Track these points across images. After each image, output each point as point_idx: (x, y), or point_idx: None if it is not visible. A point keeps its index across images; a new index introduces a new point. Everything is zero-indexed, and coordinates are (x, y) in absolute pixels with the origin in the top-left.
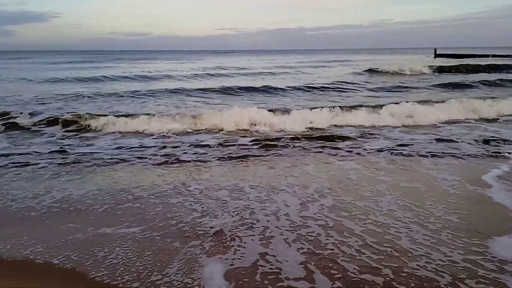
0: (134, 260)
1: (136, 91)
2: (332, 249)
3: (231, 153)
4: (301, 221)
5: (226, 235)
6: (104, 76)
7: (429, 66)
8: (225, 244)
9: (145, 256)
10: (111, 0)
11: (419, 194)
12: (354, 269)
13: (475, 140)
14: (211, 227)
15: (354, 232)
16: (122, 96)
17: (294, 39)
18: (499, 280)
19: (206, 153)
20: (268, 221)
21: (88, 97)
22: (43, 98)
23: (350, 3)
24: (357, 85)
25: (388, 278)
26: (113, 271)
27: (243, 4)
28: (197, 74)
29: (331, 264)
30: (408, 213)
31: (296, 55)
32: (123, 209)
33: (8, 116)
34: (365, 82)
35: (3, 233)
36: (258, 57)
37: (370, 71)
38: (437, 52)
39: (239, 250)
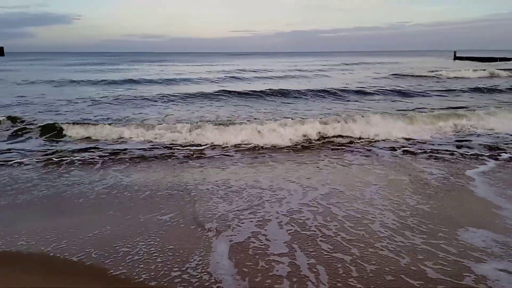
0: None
1: (188, 94)
2: (314, 231)
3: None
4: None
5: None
6: (143, 79)
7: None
8: (229, 224)
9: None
10: (129, 3)
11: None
12: (328, 248)
13: None
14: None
15: (336, 217)
16: (171, 100)
17: (310, 41)
18: (461, 263)
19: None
20: (271, 206)
21: (155, 100)
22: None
23: (367, 5)
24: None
25: (354, 256)
26: None
27: (258, 6)
28: (232, 76)
29: (310, 243)
30: (386, 201)
31: (314, 57)
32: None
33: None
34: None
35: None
36: (279, 59)
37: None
38: (457, 55)
39: (237, 228)
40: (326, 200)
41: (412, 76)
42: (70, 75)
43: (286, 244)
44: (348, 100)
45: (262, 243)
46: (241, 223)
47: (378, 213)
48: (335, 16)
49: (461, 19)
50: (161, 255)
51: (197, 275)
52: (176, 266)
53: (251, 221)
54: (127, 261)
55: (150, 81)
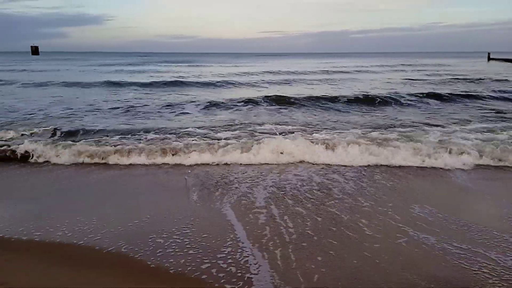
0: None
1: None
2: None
3: None
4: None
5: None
6: (200, 81)
7: None
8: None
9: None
10: (160, 4)
11: None
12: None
13: None
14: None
15: None
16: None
17: (338, 42)
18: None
19: None
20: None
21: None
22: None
23: (398, 5)
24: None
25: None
26: None
27: (287, 7)
28: (284, 80)
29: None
30: None
31: (347, 58)
32: None
33: None
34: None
35: None
36: (316, 60)
37: None
38: (491, 57)
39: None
40: None
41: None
42: (119, 76)
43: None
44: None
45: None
46: None
47: None
48: (364, 17)
49: (494, 20)
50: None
51: None
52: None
53: None
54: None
55: (210, 84)
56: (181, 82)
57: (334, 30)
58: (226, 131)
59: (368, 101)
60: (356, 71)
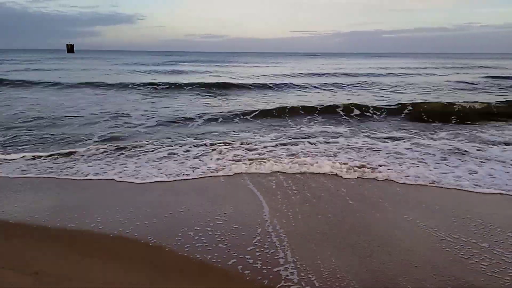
0: None
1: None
2: None
3: None
4: None
5: None
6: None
7: None
8: None
9: None
10: (191, 4)
11: None
12: None
13: None
14: None
15: None
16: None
17: (370, 42)
18: None
19: None
20: None
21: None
22: None
23: (432, 5)
24: None
25: None
26: None
27: (317, 6)
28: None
29: None
30: None
31: (385, 58)
32: None
33: None
34: None
35: None
36: (352, 60)
37: None
38: None
39: None
40: None
41: None
42: (187, 77)
43: None
44: None
45: None
46: None
47: None
48: (396, 17)
49: None
50: None
51: None
52: None
53: None
54: None
55: (274, 87)
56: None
57: (366, 30)
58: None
59: None
60: (426, 73)
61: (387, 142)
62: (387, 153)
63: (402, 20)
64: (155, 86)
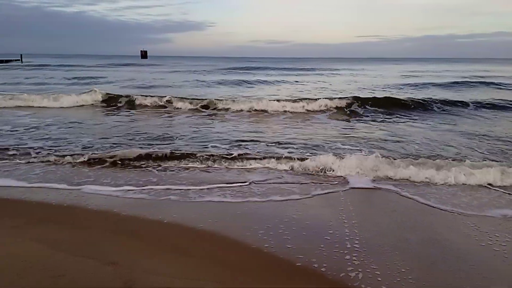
0: None
1: None
2: None
3: None
4: None
5: None
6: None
7: None
8: None
9: None
10: (257, 10)
11: None
12: None
13: None
14: None
15: None
16: None
17: (443, 47)
18: None
19: None
20: None
21: None
22: None
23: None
24: None
25: None
26: None
27: (386, 11)
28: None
29: None
30: None
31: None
32: None
33: None
34: None
35: None
36: (432, 65)
37: None
38: None
39: None
40: None
41: None
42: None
43: None
44: None
45: None
46: None
47: None
48: (471, 20)
49: None
50: None
51: None
52: None
53: None
54: None
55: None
56: None
57: (438, 34)
58: None
59: None
60: None
61: None
62: None
63: (479, 24)
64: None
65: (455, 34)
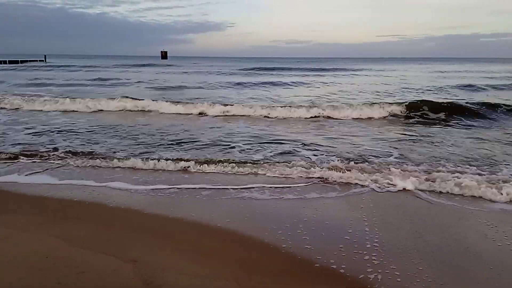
0: None
1: None
2: None
3: None
4: None
5: None
6: None
7: None
8: None
9: None
10: (277, 11)
11: None
12: None
13: None
14: None
15: None
16: None
17: (466, 46)
18: None
19: None
20: None
21: None
22: None
23: None
24: None
25: None
26: None
27: (406, 10)
28: None
29: None
30: None
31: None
32: None
33: None
34: None
35: None
36: (462, 65)
37: None
38: None
39: None
40: None
41: None
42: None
43: None
44: None
45: None
46: None
47: None
48: (496, 19)
49: None
50: None
51: None
52: None
53: None
54: None
55: None
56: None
57: (461, 33)
58: None
59: None
60: None
61: None
62: None
63: (505, 23)
64: None
65: (479, 33)
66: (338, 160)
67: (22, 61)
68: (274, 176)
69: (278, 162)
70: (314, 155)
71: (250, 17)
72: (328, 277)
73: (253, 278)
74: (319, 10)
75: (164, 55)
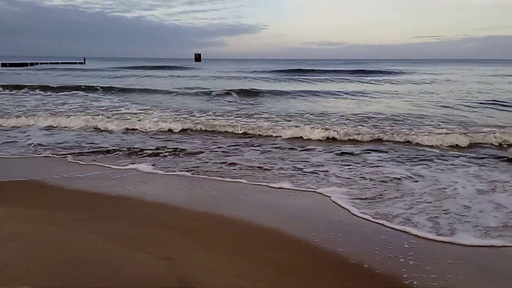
0: None
1: None
2: None
3: None
4: None
5: None
6: None
7: None
8: None
9: None
10: (309, 11)
11: None
12: None
13: None
14: None
15: None
16: None
17: (507, 48)
18: None
19: None
20: None
21: None
22: None
23: None
24: None
25: None
26: None
27: (444, 10)
28: None
29: None
30: None
31: None
32: None
33: None
34: None
35: None
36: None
37: None
38: None
39: None
40: None
41: None
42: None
43: None
44: None
45: None
46: None
47: None
48: None
49: None
50: None
51: None
52: None
53: None
54: None
55: None
56: None
57: (502, 34)
58: None
59: None
60: None
61: None
62: None
63: None
64: None
65: None
66: None
67: (62, 63)
68: None
69: None
70: None
71: (283, 19)
72: (363, 280)
73: (288, 280)
74: (353, 11)
75: (197, 58)
